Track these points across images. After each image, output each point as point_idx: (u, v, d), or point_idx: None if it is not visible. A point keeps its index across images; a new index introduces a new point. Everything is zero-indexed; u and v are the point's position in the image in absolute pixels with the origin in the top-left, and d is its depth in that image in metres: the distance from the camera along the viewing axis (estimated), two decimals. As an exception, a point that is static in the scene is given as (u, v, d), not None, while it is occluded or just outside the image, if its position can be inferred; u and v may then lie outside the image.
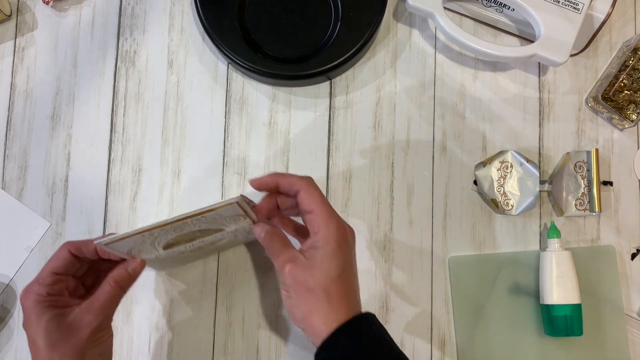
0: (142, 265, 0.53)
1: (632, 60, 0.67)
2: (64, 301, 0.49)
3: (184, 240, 0.53)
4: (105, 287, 0.50)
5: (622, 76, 0.66)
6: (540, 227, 0.67)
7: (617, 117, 0.66)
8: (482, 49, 0.63)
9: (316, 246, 0.50)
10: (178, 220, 0.48)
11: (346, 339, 0.48)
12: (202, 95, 0.68)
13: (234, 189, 0.66)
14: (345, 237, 0.51)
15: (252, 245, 0.66)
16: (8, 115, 0.68)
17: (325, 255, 0.49)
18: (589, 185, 0.65)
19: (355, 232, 0.65)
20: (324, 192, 0.66)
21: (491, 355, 0.64)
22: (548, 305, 0.62)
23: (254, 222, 0.53)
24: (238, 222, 0.52)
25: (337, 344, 0.48)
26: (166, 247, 0.53)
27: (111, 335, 0.52)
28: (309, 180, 0.53)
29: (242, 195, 0.50)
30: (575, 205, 0.65)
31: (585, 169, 0.65)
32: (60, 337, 0.47)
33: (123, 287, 0.51)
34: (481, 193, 0.67)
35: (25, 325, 0.49)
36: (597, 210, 0.64)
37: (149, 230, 0.48)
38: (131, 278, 0.52)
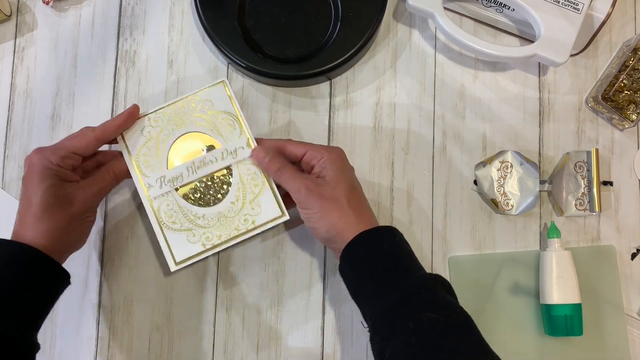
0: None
1: (632, 61, 0.67)
2: (67, 175, 0.54)
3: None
4: (104, 175, 0.56)
5: (622, 76, 0.66)
6: (540, 227, 0.67)
7: (617, 117, 0.66)
8: (482, 49, 0.63)
9: (325, 166, 0.56)
10: (174, 103, 0.61)
11: (371, 241, 0.54)
12: (202, 95, 0.68)
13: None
14: (346, 158, 0.59)
15: (252, 246, 0.66)
16: (8, 115, 0.68)
17: (337, 170, 0.56)
18: (589, 185, 0.65)
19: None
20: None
21: (491, 355, 0.64)
22: (548, 305, 0.62)
23: (249, 141, 0.61)
24: (234, 135, 0.61)
25: (362, 244, 0.54)
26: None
27: (93, 220, 0.57)
28: (288, 139, 0.62)
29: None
30: (575, 205, 0.65)
31: (585, 169, 0.65)
32: (55, 202, 0.52)
33: (118, 178, 0.58)
34: (481, 193, 0.67)
35: (25, 179, 0.53)
36: (597, 210, 0.64)
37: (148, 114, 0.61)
38: (125, 168, 0.58)
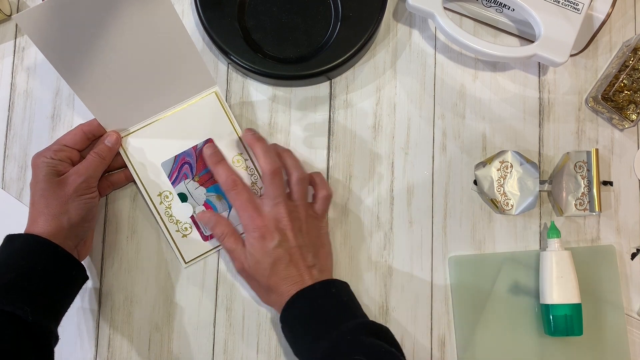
0: (117, 136, 0.62)
1: (632, 60, 0.67)
2: (63, 166, 0.58)
3: None
4: (88, 157, 0.60)
5: (622, 76, 0.66)
6: (540, 227, 0.67)
7: (617, 117, 0.66)
8: (482, 49, 0.63)
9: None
10: (167, 116, 0.63)
11: (297, 306, 0.56)
12: (202, 95, 0.68)
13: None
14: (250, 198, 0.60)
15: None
16: (8, 115, 0.68)
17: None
18: (589, 185, 0.65)
19: (356, 231, 0.65)
20: (324, 192, 0.66)
21: (491, 355, 0.64)
22: (548, 305, 0.62)
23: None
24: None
25: (290, 312, 0.56)
26: None
27: (93, 198, 0.59)
28: (255, 139, 0.62)
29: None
30: (575, 205, 0.65)
31: (585, 169, 0.65)
32: (49, 188, 0.56)
33: (101, 155, 0.60)
34: (481, 193, 0.67)
35: (30, 182, 0.58)
36: (597, 210, 0.64)
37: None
38: (109, 149, 0.61)
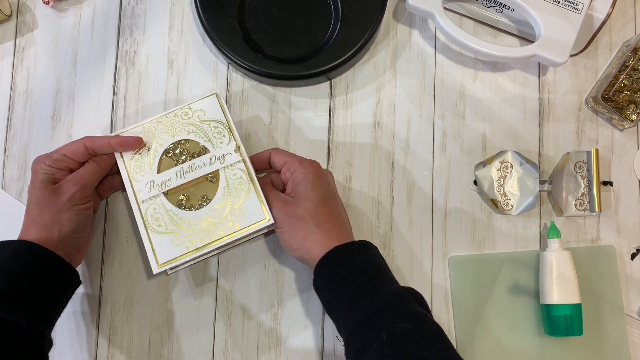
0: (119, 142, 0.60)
1: (632, 61, 0.67)
2: (61, 174, 0.58)
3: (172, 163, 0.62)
4: (86, 164, 0.59)
5: (622, 76, 0.66)
6: (540, 227, 0.67)
7: (617, 118, 0.66)
8: (482, 49, 0.63)
9: (297, 182, 0.58)
10: (168, 114, 0.63)
11: (342, 256, 0.55)
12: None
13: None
14: (319, 170, 0.59)
15: (252, 246, 0.66)
16: (8, 115, 0.68)
17: (306, 186, 0.57)
18: (589, 185, 0.65)
19: (356, 231, 0.65)
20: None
21: (491, 355, 0.64)
22: (548, 305, 0.62)
23: (238, 147, 0.61)
24: (223, 142, 0.62)
25: (334, 260, 0.55)
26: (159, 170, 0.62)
27: (87, 209, 0.58)
28: (275, 148, 0.63)
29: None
30: (575, 205, 0.65)
31: (585, 169, 0.65)
32: (44, 195, 0.56)
33: (99, 164, 0.60)
34: (481, 193, 0.67)
35: (28, 187, 0.58)
36: (597, 210, 0.64)
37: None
38: (107, 157, 0.61)
